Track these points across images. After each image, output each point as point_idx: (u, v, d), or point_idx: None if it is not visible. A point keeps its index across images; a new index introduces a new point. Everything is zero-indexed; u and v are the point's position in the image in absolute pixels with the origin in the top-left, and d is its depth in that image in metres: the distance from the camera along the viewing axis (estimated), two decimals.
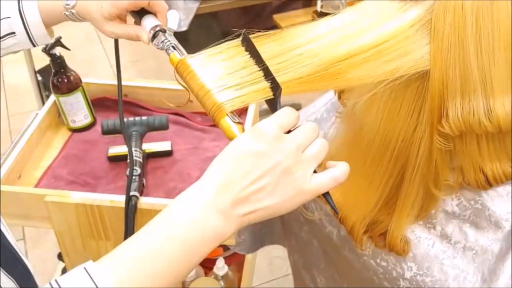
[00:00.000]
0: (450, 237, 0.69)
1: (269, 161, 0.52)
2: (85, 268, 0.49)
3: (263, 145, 0.52)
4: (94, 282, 0.48)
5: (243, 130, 0.57)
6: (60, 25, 0.87)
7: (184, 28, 2.03)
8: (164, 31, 0.75)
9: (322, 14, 1.99)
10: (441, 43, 0.58)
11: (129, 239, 0.52)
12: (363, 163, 0.70)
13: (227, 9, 2.16)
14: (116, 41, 0.86)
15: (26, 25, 0.83)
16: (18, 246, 0.57)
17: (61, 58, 1.12)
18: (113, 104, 1.23)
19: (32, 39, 0.86)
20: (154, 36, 0.75)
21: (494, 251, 0.66)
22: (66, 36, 1.13)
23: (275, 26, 2.06)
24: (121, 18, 0.81)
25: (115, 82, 1.22)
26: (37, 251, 2.06)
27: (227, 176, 0.52)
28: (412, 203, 0.68)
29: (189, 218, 0.51)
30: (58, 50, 1.11)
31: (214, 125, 1.20)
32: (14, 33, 0.84)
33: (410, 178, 0.66)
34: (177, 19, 1.94)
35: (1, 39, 0.85)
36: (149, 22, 0.77)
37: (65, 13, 0.83)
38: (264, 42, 0.61)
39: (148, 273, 0.50)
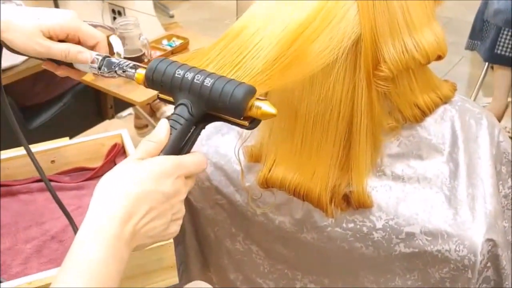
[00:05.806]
0: (402, 176, 0.75)
1: (166, 203, 0.59)
2: None
3: (166, 187, 0.58)
4: None
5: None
6: None
7: None
8: (109, 56, 0.70)
9: None
10: None
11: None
12: (306, 133, 0.72)
13: None
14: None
15: None
16: None
17: None
18: None
19: None
20: (100, 65, 0.69)
21: (444, 173, 0.74)
22: None
23: None
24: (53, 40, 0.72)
25: None
26: None
27: (130, 212, 0.56)
28: (365, 153, 0.72)
29: (101, 255, 0.54)
30: None
31: (87, 179, 1.09)
32: None
33: (358, 131, 0.70)
34: (120, 42, 1.78)
35: None
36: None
37: None
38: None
39: None
